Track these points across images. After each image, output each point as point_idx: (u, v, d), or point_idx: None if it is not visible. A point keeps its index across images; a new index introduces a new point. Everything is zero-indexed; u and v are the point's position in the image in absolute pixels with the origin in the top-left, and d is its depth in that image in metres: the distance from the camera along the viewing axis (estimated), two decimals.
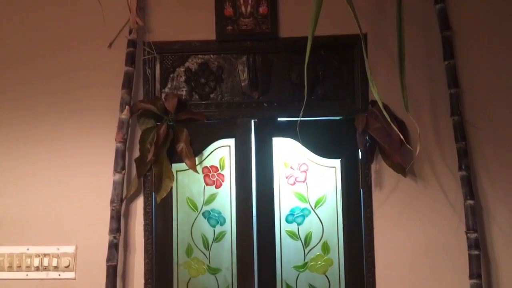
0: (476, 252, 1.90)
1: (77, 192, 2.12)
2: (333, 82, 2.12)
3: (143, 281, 2.07)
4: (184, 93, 2.14)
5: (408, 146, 1.85)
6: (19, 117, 2.16)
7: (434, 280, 2.00)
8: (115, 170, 2.02)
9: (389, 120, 1.58)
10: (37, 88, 2.16)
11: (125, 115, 2.04)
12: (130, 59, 2.06)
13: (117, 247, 2.00)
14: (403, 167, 1.99)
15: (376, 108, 1.96)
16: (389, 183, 2.05)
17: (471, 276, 1.89)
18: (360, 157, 2.07)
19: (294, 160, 2.11)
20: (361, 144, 2.00)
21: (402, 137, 1.67)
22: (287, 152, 2.10)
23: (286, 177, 2.10)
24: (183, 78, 2.15)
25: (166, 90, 2.15)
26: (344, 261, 2.06)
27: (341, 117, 2.10)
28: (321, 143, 2.08)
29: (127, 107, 2.04)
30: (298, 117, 1.79)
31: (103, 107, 2.13)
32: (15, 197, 2.13)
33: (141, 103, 2.08)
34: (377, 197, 2.05)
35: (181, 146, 2.06)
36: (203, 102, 2.13)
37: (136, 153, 2.08)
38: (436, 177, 2.03)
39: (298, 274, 2.06)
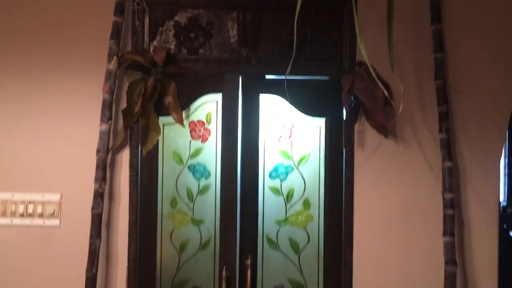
0: (451, 212, 1.98)
1: (63, 141, 2.13)
2: (322, 42, 2.13)
3: (127, 230, 2.11)
4: (172, 47, 2.14)
5: (392, 102, 1.89)
6: (6, 67, 2.14)
7: (409, 237, 2.08)
8: (102, 120, 2.03)
9: (374, 76, 1.62)
10: (24, 39, 2.13)
11: (112, 65, 2.03)
12: (119, 9, 2.05)
13: (102, 196, 2.02)
14: (385, 128, 2.04)
15: (363, 68, 2.00)
16: (371, 144, 2.10)
17: (444, 234, 1.97)
18: (344, 118, 2.12)
19: (280, 118, 2.14)
20: (346, 104, 2.03)
21: (386, 93, 1.71)
22: (274, 110, 2.14)
23: (271, 134, 2.14)
24: (172, 32, 2.14)
25: (155, 43, 2.14)
26: (324, 217, 2.13)
27: (328, 77, 2.13)
28: (307, 102, 2.12)
29: (115, 57, 2.03)
30: (285, 75, 1.82)
31: (91, 58, 2.12)
32: (1, 144, 2.13)
33: (129, 54, 2.07)
34: (358, 156, 2.11)
35: (169, 99, 2.07)
36: (192, 57, 2.14)
37: (123, 106, 2.09)
38: (416, 139, 2.09)
39: (279, 228, 2.13)
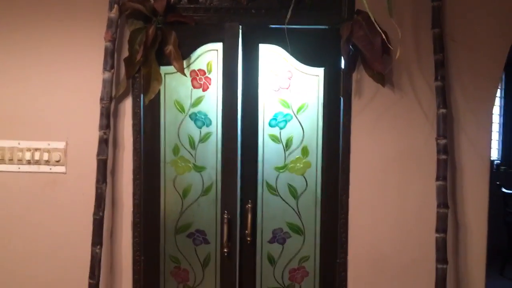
0: (444, 157, 2.05)
1: (67, 90, 2.17)
2: None
3: (131, 176, 2.18)
4: None
5: (389, 46, 1.94)
6: (9, 18, 2.16)
7: (404, 181, 2.16)
8: (105, 69, 2.07)
9: (374, 21, 1.65)
10: None
11: (114, 14, 2.06)
12: None
13: (107, 142, 2.08)
14: (382, 77, 2.09)
15: (361, 16, 2.02)
16: (368, 92, 2.15)
17: (437, 178, 2.05)
18: (342, 67, 2.15)
19: (279, 67, 2.18)
20: (345, 52, 2.07)
21: (384, 37, 1.75)
22: (273, 59, 2.17)
23: (271, 84, 2.18)
24: None
25: None
26: (322, 164, 2.20)
27: (327, 27, 2.16)
28: (306, 51, 2.15)
29: (116, 6, 2.05)
30: (285, 24, 1.84)
31: (92, 7, 2.14)
32: (7, 93, 2.19)
33: (130, 2, 2.08)
34: (356, 105, 2.16)
35: (170, 48, 2.10)
36: (192, 6, 2.16)
37: (125, 54, 2.12)
38: (412, 88, 2.14)
39: (278, 175, 2.20)
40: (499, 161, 5.78)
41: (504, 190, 4.94)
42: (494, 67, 2.13)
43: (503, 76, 5.70)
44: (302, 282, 2.23)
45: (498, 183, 5.07)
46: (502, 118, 5.75)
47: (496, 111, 5.73)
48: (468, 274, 2.17)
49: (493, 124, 5.71)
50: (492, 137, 5.28)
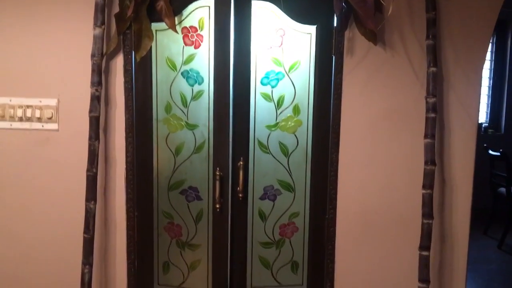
0: (433, 115, 2.08)
1: (58, 47, 2.15)
2: None
3: (124, 134, 2.20)
4: None
5: (382, 2, 1.93)
6: None
7: (393, 139, 2.20)
8: (95, 25, 2.05)
9: None
10: None
11: None
12: None
13: (99, 99, 2.09)
14: (374, 35, 2.09)
15: None
16: (360, 51, 2.16)
17: (425, 136, 2.09)
18: (335, 25, 2.15)
19: (271, 25, 2.17)
20: (337, 8, 2.05)
21: None
22: (266, 16, 2.16)
23: (263, 41, 2.17)
24: None
25: None
26: (313, 123, 2.22)
27: None
28: (299, 8, 2.14)
29: None
30: None
31: None
32: None
33: None
34: (348, 63, 2.17)
35: (161, 4, 2.08)
36: None
37: (116, 10, 2.09)
38: (404, 46, 2.15)
39: (270, 133, 2.23)
40: (487, 124, 5.86)
41: (491, 152, 5.03)
42: (485, 26, 2.14)
43: (494, 39, 5.70)
44: (292, 237, 2.30)
45: (485, 145, 5.16)
46: (491, 81, 5.79)
47: (486, 74, 5.76)
48: (453, 229, 2.25)
49: (482, 87, 5.78)
50: (481, 99, 5.32)
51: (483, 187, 4.91)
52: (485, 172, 5.04)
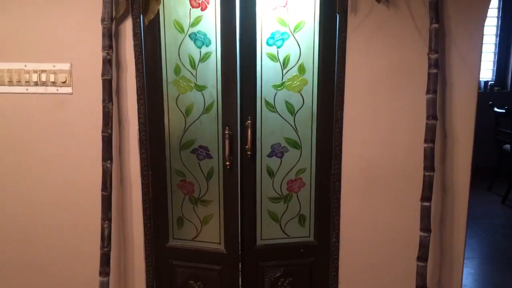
0: (435, 71, 2.14)
1: (69, 12, 2.21)
2: None
3: (135, 96, 2.28)
4: None
5: None
6: None
7: (396, 96, 2.26)
8: None
9: None
10: None
11: None
12: None
13: (110, 63, 2.16)
14: None
15: None
16: (363, 9, 2.20)
17: (427, 92, 2.15)
18: None
19: None
20: None
21: None
22: None
23: (268, 2, 2.21)
24: None
25: None
26: (318, 81, 2.29)
27: None
28: None
29: None
30: None
31: None
32: (11, 18, 2.22)
33: None
34: (351, 22, 2.21)
35: None
36: None
37: None
38: (407, 4, 2.18)
39: (276, 92, 2.30)
40: (493, 82, 5.86)
41: (496, 109, 5.08)
42: None
43: None
44: (299, 192, 2.40)
45: (491, 103, 5.19)
46: (497, 38, 5.75)
47: (493, 31, 5.72)
48: (454, 181, 2.34)
49: (488, 45, 5.74)
50: (486, 57, 5.32)
51: (488, 144, 4.99)
52: (490, 130, 5.10)
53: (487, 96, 5.58)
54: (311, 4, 2.22)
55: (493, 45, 5.78)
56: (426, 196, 2.19)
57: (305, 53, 2.27)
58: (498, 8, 5.71)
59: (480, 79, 5.74)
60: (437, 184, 2.32)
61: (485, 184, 5.30)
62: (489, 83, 5.81)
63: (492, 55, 5.81)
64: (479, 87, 5.65)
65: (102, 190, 2.22)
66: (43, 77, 2.25)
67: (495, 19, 5.70)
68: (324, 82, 2.28)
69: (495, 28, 5.71)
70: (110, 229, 2.24)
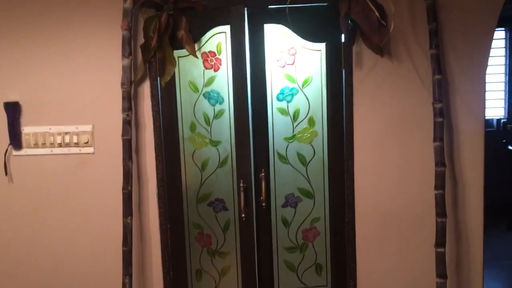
0: (440, 120, 2.21)
1: (91, 77, 2.37)
2: None
3: (154, 153, 2.39)
4: None
5: (383, 22, 2.08)
6: (33, 12, 2.36)
7: (404, 144, 2.33)
8: (123, 56, 2.25)
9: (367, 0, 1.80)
10: None
11: (128, 4, 2.22)
12: None
13: (130, 123, 2.29)
14: (380, 48, 2.24)
15: None
16: (368, 63, 2.31)
17: (434, 140, 2.22)
18: (343, 40, 2.31)
19: (283, 45, 2.34)
20: (344, 27, 2.22)
21: (378, 14, 1.89)
22: (278, 38, 2.33)
23: (277, 60, 2.34)
24: None
25: None
26: (327, 133, 2.38)
27: (326, 3, 2.30)
28: (308, 28, 2.30)
29: None
30: (287, 4, 2.00)
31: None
32: (35, 84, 2.39)
33: None
34: (357, 76, 2.32)
35: (181, 33, 2.27)
36: None
37: (141, 41, 2.29)
38: (409, 56, 2.29)
39: (288, 144, 2.39)
40: (505, 120, 5.88)
41: (510, 147, 5.08)
42: (485, 33, 2.26)
43: (507, 35, 5.75)
44: (315, 241, 2.45)
45: (504, 141, 5.21)
46: (507, 76, 5.82)
47: (502, 70, 5.80)
48: (467, 226, 2.36)
49: (498, 83, 5.81)
50: (497, 95, 5.32)
51: (503, 182, 4.97)
52: (505, 168, 5.08)
53: (500, 134, 5.60)
54: (317, 60, 2.34)
55: (503, 84, 5.83)
56: (440, 242, 2.22)
57: (314, 106, 2.37)
58: (505, 47, 5.80)
59: (493, 117, 5.81)
60: (451, 229, 2.34)
61: (505, 222, 5.22)
62: (501, 121, 5.83)
63: (503, 93, 5.85)
64: (492, 126, 5.68)
65: (123, 245, 2.30)
66: (67, 139, 2.38)
67: (504, 58, 5.78)
68: (334, 133, 2.37)
69: (504, 66, 5.78)
70: (131, 284, 2.31)
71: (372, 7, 1.83)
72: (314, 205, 2.42)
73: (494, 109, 5.82)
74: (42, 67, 2.38)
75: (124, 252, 2.30)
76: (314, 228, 2.44)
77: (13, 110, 2.37)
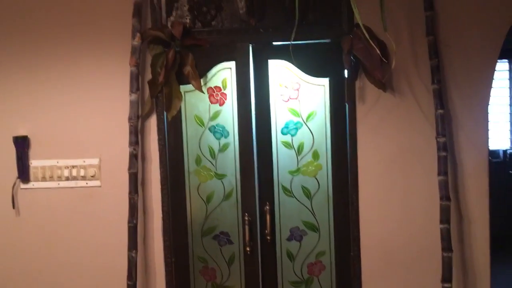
0: (444, 154, 2.23)
1: (98, 112, 2.42)
2: (323, 8, 2.35)
3: (159, 186, 2.41)
4: (188, 21, 2.38)
5: (384, 60, 2.12)
6: (42, 46, 2.43)
7: (408, 178, 2.34)
8: (131, 91, 2.30)
9: (368, 38, 1.85)
10: (53, 21, 2.41)
11: (137, 41, 2.29)
12: None
13: (136, 157, 2.32)
14: (383, 83, 2.27)
15: (360, 30, 2.20)
16: (371, 98, 2.34)
17: (439, 174, 2.23)
18: (345, 76, 2.35)
19: (287, 80, 2.38)
20: (347, 63, 2.26)
21: (379, 51, 1.94)
22: (282, 73, 2.38)
23: (281, 95, 2.39)
24: (186, 7, 2.37)
25: (172, 18, 2.38)
26: (332, 166, 2.39)
27: (329, 40, 2.35)
28: (311, 63, 2.35)
29: (138, 34, 2.28)
30: (290, 41, 2.05)
31: (118, 37, 2.37)
32: (44, 118, 2.44)
33: (150, 30, 2.32)
34: (360, 110, 2.35)
35: (188, 69, 2.33)
36: (205, 29, 2.38)
37: (148, 77, 2.35)
38: (411, 91, 2.32)
39: (292, 178, 2.40)
40: (511, 150, 5.87)
41: None
42: (486, 67, 2.30)
43: (511, 66, 5.80)
44: (320, 275, 2.43)
45: (511, 171, 5.19)
46: (511, 107, 5.84)
47: (506, 101, 5.83)
48: (474, 261, 2.34)
49: (503, 114, 5.83)
50: (503, 126, 5.32)
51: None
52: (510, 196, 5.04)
53: (506, 164, 5.59)
54: (321, 95, 2.38)
55: (508, 114, 5.85)
56: (447, 277, 2.20)
57: (318, 140, 2.39)
58: (509, 78, 5.85)
59: (499, 148, 5.79)
60: (457, 264, 2.32)
61: None
62: (508, 152, 5.82)
63: (508, 124, 5.87)
64: (499, 156, 5.66)
65: (128, 279, 2.30)
66: (74, 172, 2.41)
67: (508, 90, 5.82)
68: (338, 166, 2.39)
69: (508, 98, 5.81)
70: None
71: (374, 44, 1.87)
72: (319, 239, 2.42)
73: (500, 141, 5.82)
74: (51, 101, 2.43)
75: (128, 286, 2.29)
76: (320, 262, 2.43)
77: (22, 144, 2.41)
